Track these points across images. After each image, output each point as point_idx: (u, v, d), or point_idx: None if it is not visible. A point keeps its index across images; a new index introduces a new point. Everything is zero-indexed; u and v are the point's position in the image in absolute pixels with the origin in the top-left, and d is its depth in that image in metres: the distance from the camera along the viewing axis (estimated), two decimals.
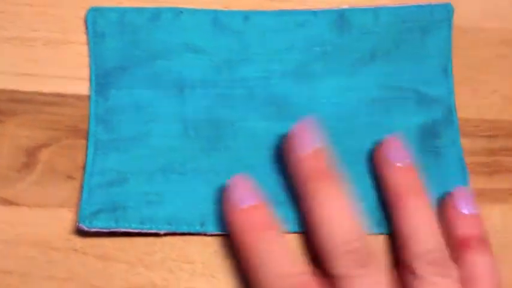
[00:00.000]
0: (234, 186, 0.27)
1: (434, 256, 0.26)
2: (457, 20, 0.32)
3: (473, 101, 0.32)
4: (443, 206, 0.29)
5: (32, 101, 0.30)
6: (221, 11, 0.31)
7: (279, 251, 0.26)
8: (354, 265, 0.25)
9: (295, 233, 0.29)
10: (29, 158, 0.30)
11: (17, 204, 0.29)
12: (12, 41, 0.31)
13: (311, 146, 0.27)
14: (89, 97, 0.31)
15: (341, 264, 0.25)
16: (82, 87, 0.31)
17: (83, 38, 0.32)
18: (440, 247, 0.26)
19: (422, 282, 0.26)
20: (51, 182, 0.29)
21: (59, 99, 0.30)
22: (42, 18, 0.32)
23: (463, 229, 0.28)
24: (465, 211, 0.28)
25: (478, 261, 0.27)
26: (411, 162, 0.28)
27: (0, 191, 0.29)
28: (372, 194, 0.29)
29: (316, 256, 0.27)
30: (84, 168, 0.29)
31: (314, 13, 0.32)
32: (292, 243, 0.29)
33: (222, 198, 0.28)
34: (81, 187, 0.29)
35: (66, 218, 0.29)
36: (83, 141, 0.30)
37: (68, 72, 0.31)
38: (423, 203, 0.27)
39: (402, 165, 0.28)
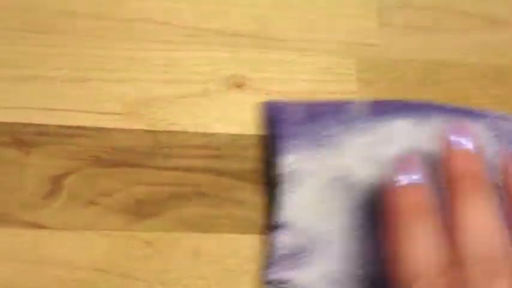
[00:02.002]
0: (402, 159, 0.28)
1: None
2: None
3: None
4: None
5: (56, 133, 0.33)
6: None
7: (427, 242, 0.26)
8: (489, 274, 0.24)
9: None
10: (54, 185, 0.32)
11: (43, 228, 0.31)
12: (37, 79, 0.34)
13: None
14: (108, 129, 0.33)
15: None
16: (102, 121, 0.34)
17: (100, 75, 0.35)
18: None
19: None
20: (75, 207, 0.32)
21: (81, 132, 0.33)
22: (63, 58, 0.35)
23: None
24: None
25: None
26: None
27: (28, 216, 0.31)
28: None
29: None
30: (104, 194, 0.32)
31: None
32: None
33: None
34: (104, 211, 0.32)
35: (89, 239, 0.31)
36: (103, 170, 0.33)
37: (88, 107, 0.34)
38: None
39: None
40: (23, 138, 0.33)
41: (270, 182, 0.33)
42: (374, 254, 0.31)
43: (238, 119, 0.35)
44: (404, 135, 0.34)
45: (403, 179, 0.27)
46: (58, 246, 0.31)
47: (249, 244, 0.32)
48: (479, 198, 0.26)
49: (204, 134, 0.34)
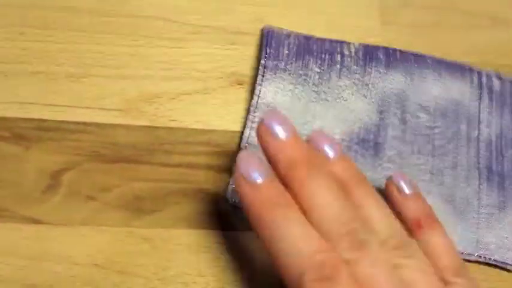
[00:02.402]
0: (244, 161, 0.27)
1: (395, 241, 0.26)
2: None
3: None
4: (385, 192, 0.31)
5: (56, 129, 0.33)
6: None
7: (303, 229, 0.25)
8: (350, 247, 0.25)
9: None
10: (53, 180, 0.32)
11: (42, 223, 0.31)
12: (38, 74, 0.34)
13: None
14: (108, 125, 0.33)
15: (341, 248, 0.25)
16: (102, 116, 0.34)
17: (101, 71, 0.35)
18: (397, 230, 0.27)
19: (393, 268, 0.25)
20: (73, 202, 0.32)
21: (82, 127, 0.33)
22: (64, 54, 0.35)
23: (411, 210, 0.30)
24: (407, 192, 0.30)
25: (433, 240, 0.28)
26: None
27: (27, 211, 0.31)
28: None
29: None
30: (103, 190, 0.32)
31: None
32: None
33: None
34: (103, 206, 0.32)
35: (88, 235, 0.31)
36: (103, 165, 0.33)
37: (89, 103, 0.34)
38: (367, 190, 0.28)
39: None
40: (22, 133, 0.33)
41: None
42: None
43: (239, 116, 0.35)
44: (390, 84, 0.36)
45: (252, 177, 0.26)
46: (56, 242, 0.31)
47: (249, 241, 0.32)
48: (315, 179, 0.26)
49: (205, 131, 0.34)
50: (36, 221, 0.31)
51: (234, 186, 0.31)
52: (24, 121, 0.33)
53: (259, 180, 0.26)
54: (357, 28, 0.39)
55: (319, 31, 0.38)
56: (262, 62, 0.35)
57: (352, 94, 0.36)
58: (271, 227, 0.25)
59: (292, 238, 0.25)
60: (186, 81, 0.36)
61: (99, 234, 0.31)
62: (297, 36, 0.37)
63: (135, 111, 0.34)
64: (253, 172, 0.26)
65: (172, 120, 0.34)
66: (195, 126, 0.34)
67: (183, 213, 0.32)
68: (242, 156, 0.27)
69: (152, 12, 0.37)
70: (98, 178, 0.32)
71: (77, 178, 0.32)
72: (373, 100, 0.36)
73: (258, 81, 0.35)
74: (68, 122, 0.33)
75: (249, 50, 0.37)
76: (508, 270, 0.34)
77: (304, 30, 0.38)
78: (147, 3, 0.37)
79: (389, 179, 0.32)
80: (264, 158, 0.27)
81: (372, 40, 0.38)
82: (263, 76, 0.35)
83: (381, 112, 0.35)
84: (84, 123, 0.33)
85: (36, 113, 0.33)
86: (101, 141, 0.33)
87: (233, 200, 0.32)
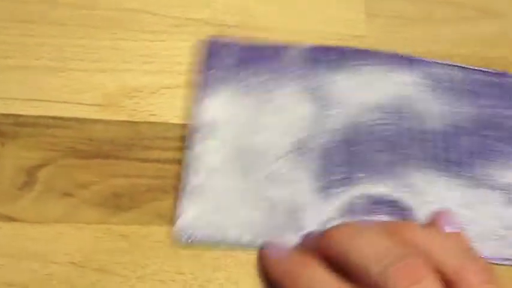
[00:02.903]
0: (270, 248, 0.31)
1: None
2: None
3: None
4: None
5: (34, 124, 0.32)
6: None
7: (323, 274, 0.28)
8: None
9: None
10: (29, 177, 0.31)
11: (18, 220, 0.31)
12: (16, 69, 0.33)
13: None
14: (87, 120, 0.33)
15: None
16: (81, 111, 0.33)
17: (81, 65, 0.34)
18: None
19: None
20: (50, 199, 0.31)
21: (60, 122, 0.33)
22: (43, 47, 0.34)
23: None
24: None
25: None
26: None
27: (2, 208, 0.31)
28: None
29: None
30: (80, 186, 0.31)
31: None
32: None
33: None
34: (81, 203, 0.31)
35: (65, 233, 0.31)
36: (80, 161, 0.32)
37: (68, 97, 0.33)
38: None
39: None
40: (0, 128, 0.32)
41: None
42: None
43: None
44: (337, 86, 0.35)
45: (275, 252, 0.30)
46: (33, 240, 0.30)
47: None
48: None
49: (185, 126, 0.33)
50: (12, 219, 0.31)
51: (183, 220, 0.31)
52: (3, 116, 0.32)
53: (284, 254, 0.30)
54: (341, 21, 0.38)
55: (303, 23, 0.37)
56: (203, 75, 0.34)
57: (299, 100, 0.34)
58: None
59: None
60: (168, 74, 0.35)
61: (76, 232, 0.31)
62: (239, 44, 0.35)
63: (114, 105, 0.34)
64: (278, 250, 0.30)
65: (153, 114, 0.34)
66: (175, 120, 0.34)
67: (161, 210, 0.32)
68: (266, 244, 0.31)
69: (133, 5, 0.36)
70: (75, 174, 0.32)
71: (53, 174, 0.32)
72: (321, 104, 0.35)
73: (199, 97, 0.33)
74: (45, 117, 0.33)
75: None
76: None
77: (289, 23, 0.37)
78: None
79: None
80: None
81: (356, 33, 0.37)
82: (204, 90, 0.34)
83: (329, 116, 0.34)
84: (62, 118, 0.33)
85: (13, 108, 0.33)
86: (79, 137, 0.32)
87: (185, 238, 0.31)
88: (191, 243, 0.31)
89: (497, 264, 0.33)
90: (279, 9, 0.37)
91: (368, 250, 0.27)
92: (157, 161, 0.33)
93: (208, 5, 0.37)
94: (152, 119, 0.34)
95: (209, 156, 0.32)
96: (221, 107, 0.33)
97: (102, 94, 0.34)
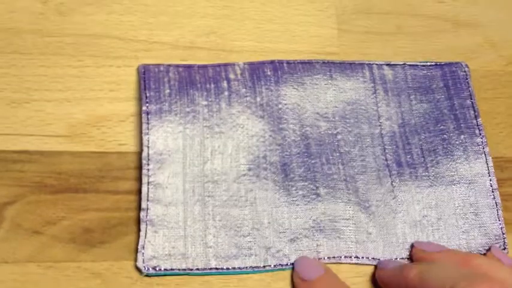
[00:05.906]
0: (299, 264, 0.31)
1: None
2: None
3: None
4: None
5: (0, 159, 0.31)
6: None
7: None
8: None
9: None
10: None
11: None
12: None
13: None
14: (54, 153, 0.32)
15: None
16: (47, 144, 0.32)
17: (44, 95, 0.33)
18: None
19: None
20: (17, 238, 0.30)
21: (25, 157, 0.31)
22: (5, 78, 0.33)
23: None
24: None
25: None
26: None
27: None
28: None
29: None
30: (49, 223, 0.30)
31: None
32: None
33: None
34: (49, 241, 0.30)
35: (34, 272, 0.29)
36: (48, 196, 0.31)
37: (33, 130, 0.32)
38: None
39: None
40: None
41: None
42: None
43: None
44: (284, 99, 0.34)
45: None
46: (1, 281, 0.29)
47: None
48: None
49: None
50: None
51: (146, 252, 0.30)
52: None
53: (313, 277, 0.30)
54: (314, 37, 0.37)
55: (274, 41, 0.36)
56: (144, 108, 0.33)
57: (248, 118, 0.34)
58: None
59: None
60: (136, 101, 0.34)
61: (44, 271, 0.29)
62: (177, 69, 0.34)
63: (82, 136, 0.32)
64: (308, 272, 0.30)
65: (122, 144, 0.33)
66: None
67: (133, 244, 0.31)
68: (298, 260, 0.31)
69: (97, 30, 0.35)
70: (43, 211, 0.31)
71: (20, 212, 0.30)
72: (271, 120, 0.34)
73: (144, 131, 0.32)
74: (10, 152, 0.32)
75: None
76: None
77: (260, 42, 0.36)
78: (91, 20, 0.35)
79: None
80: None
81: (329, 50, 0.37)
82: (148, 124, 0.32)
83: (281, 130, 0.34)
84: (28, 152, 0.32)
85: None
86: (46, 171, 0.31)
87: (150, 270, 0.30)
88: (158, 274, 0.30)
89: None
90: (249, 29, 0.37)
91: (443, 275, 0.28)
92: (129, 192, 0.32)
93: (176, 26, 0.36)
94: (121, 148, 0.33)
95: (163, 188, 0.31)
96: (169, 138, 0.32)
97: (69, 125, 0.33)
